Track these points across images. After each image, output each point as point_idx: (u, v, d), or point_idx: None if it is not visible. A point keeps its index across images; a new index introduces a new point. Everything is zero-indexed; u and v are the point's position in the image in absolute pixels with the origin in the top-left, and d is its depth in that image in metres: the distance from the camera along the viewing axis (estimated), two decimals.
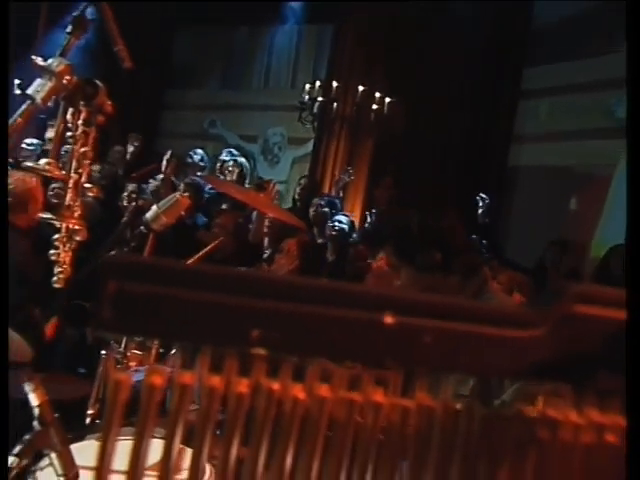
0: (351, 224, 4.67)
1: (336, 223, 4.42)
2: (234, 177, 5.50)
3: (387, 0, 6.10)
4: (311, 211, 4.77)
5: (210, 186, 5.01)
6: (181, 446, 0.55)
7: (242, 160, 5.87)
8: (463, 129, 6.40)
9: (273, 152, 8.12)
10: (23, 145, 5.61)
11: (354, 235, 4.76)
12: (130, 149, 6.31)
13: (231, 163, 5.65)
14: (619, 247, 4.17)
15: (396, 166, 6.07)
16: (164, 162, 5.15)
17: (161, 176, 5.02)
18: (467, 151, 6.40)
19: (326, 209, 4.72)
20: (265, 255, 4.18)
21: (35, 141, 5.61)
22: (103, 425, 0.51)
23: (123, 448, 0.55)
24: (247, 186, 5.41)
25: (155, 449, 0.55)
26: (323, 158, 6.75)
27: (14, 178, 2.82)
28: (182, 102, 8.77)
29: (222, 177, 5.49)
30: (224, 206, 4.69)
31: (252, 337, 0.50)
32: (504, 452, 0.57)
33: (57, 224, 1.24)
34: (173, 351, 2.03)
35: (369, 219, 5.32)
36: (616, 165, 5.56)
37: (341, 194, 5.73)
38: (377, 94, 6.31)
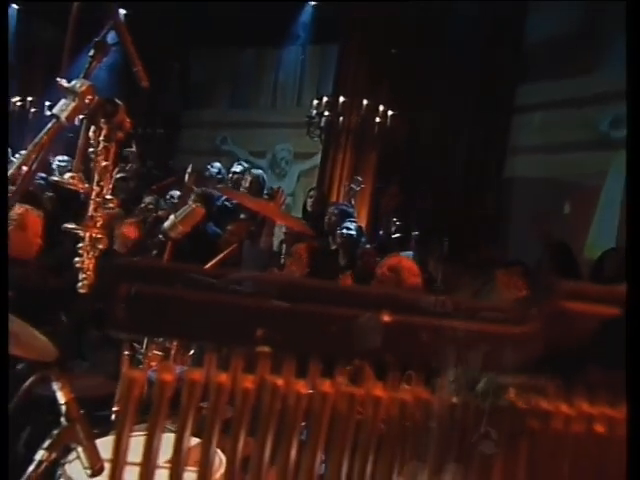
0: (359, 230, 4.66)
1: (344, 230, 4.42)
2: (247, 185, 5.51)
3: (387, 0, 6.02)
4: (326, 219, 4.79)
5: (224, 196, 5.03)
6: (197, 440, 0.54)
7: (259, 172, 5.87)
8: (463, 135, 6.39)
9: (280, 166, 8.18)
10: (55, 162, 5.66)
11: (362, 240, 4.75)
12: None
13: (243, 173, 5.68)
14: (612, 251, 4.16)
15: (399, 175, 6.07)
16: (186, 175, 5.17)
17: (178, 193, 5.04)
18: (467, 159, 6.39)
19: (338, 217, 4.73)
20: (282, 261, 4.17)
21: (66, 158, 5.64)
22: (117, 420, 0.50)
23: (138, 442, 0.55)
24: (265, 195, 5.41)
25: (171, 443, 0.55)
26: (330, 169, 6.78)
27: (16, 211, 2.78)
28: (196, 121, 8.87)
29: (241, 187, 5.51)
30: (242, 215, 4.70)
31: (257, 336, 0.49)
32: (499, 442, 0.56)
33: (81, 233, 1.25)
34: (191, 352, 2.03)
35: (385, 225, 5.32)
36: (606, 173, 5.53)
37: (353, 202, 5.74)
38: (381, 107, 6.32)
